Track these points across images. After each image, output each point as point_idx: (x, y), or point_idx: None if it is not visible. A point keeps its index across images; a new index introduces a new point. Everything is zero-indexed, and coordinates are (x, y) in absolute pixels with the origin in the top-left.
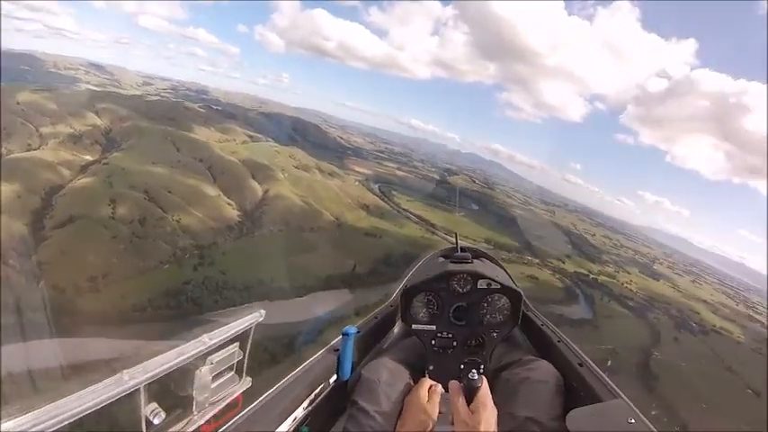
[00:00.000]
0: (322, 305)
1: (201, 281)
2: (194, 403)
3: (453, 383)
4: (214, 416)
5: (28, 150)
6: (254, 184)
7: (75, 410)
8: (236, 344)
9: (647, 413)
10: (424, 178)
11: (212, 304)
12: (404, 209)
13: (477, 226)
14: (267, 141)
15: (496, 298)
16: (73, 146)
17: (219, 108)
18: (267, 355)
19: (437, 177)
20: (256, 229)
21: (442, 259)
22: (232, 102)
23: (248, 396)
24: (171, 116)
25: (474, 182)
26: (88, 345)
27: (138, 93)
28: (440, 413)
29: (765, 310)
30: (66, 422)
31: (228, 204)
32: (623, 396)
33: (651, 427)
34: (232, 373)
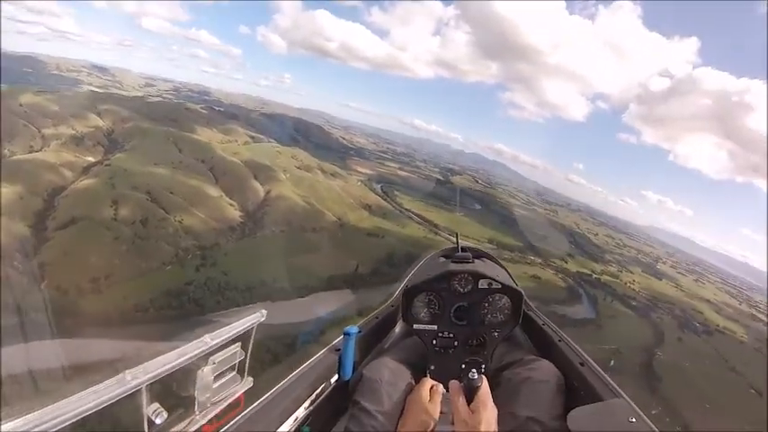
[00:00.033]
0: (324, 305)
1: (203, 281)
2: (196, 403)
3: (453, 383)
4: (216, 415)
5: (30, 152)
6: (256, 184)
7: (78, 411)
8: (238, 344)
9: (648, 412)
10: (426, 178)
11: (214, 305)
12: (406, 209)
13: (480, 226)
14: (269, 142)
15: (497, 298)
16: (75, 147)
17: (221, 109)
18: (269, 355)
19: (440, 177)
20: (258, 229)
21: (442, 259)
22: (234, 103)
23: (250, 396)
24: (173, 117)
25: (477, 182)
26: (90, 345)
27: (140, 94)
28: (441, 413)
29: (766, 309)
30: (69, 422)
31: (230, 205)
32: (624, 395)
33: (652, 426)
34: (234, 373)
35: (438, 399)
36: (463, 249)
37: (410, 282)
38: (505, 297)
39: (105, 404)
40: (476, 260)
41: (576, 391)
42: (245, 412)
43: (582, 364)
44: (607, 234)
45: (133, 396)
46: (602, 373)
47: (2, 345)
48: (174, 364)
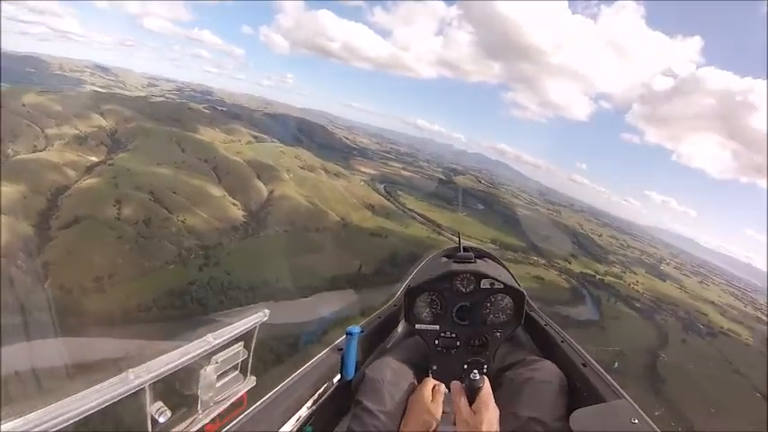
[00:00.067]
0: (327, 305)
1: (206, 281)
2: (199, 402)
3: (455, 384)
4: (219, 415)
5: (34, 152)
6: (260, 184)
7: (82, 409)
8: (241, 343)
9: (650, 414)
10: (429, 178)
11: (217, 304)
12: (409, 209)
13: (483, 226)
14: (272, 142)
15: (500, 298)
16: (78, 147)
17: (224, 109)
18: (272, 355)
19: (443, 177)
20: (261, 229)
21: (444, 259)
22: (237, 103)
23: (252, 395)
24: (176, 117)
25: (480, 182)
26: (94, 344)
27: (142, 94)
28: (443, 413)
29: (766, 310)
30: (73, 421)
31: (233, 205)
32: (627, 396)
33: (654, 427)
34: (237, 372)
35: (440, 399)
36: (465, 249)
37: (412, 282)
38: (508, 297)
39: (109, 403)
40: (478, 260)
41: (578, 391)
42: (248, 411)
43: (584, 365)
44: (611, 235)
45: (136, 395)
46: (605, 374)
47: (6, 344)
48: (176, 363)
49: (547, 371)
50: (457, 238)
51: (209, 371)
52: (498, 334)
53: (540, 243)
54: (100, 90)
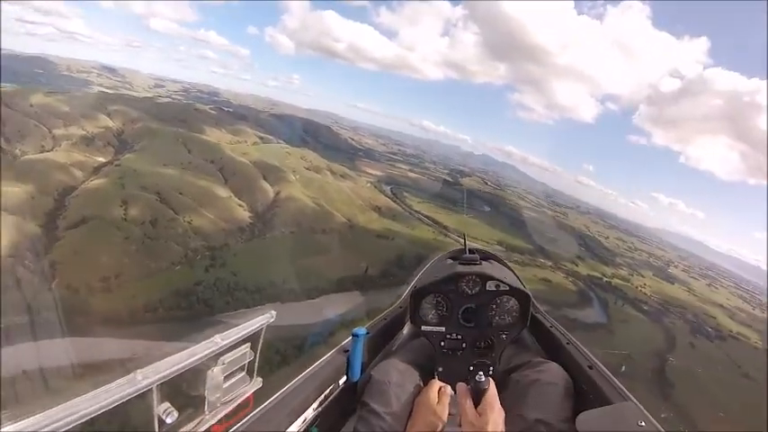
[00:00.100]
0: (333, 307)
1: (213, 282)
2: (206, 403)
3: (461, 385)
4: (225, 415)
5: (41, 152)
6: (266, 185)
7: (90, 409)
8: (248, 344)
9: (657, 416)
10: (436, 180)
11: (223, 305)
12: (416, 210)
13: (490, 228)
14: (278, 143)
15: (505, 299)
16: (85, 147)
17: (230, 110)
18: (278, 356)
19: (449, 179)
20: (268, 230)
21: (450, 261)
22: (243, 103)
23: (259, 396)
24: (182, 118)
25: (486, 183)
26: (100, 344)
27: (149, 95)
28: (449, 415)
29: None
30: (82, 421)
31: (240, 206)
32: (633, 399)
33: (661, 429)
34: (243, 373)
35: (446, 401)
36: (471, 251)
37: (418, 283)
38: (513, 299)
39: (117, 403)
40: (483, 262)
41: (584, 394)
42: (255, 412)
43: (590, 367)
44: (618, 237)
45: (144, 396)
46: (611, 376)
47: (14, 343)
48: (184, 364)
49: (552, 373)
50: (463, 240)
51: (216, 372)
52: (504, 336)
53: (546, 245)
54: (107, 91)
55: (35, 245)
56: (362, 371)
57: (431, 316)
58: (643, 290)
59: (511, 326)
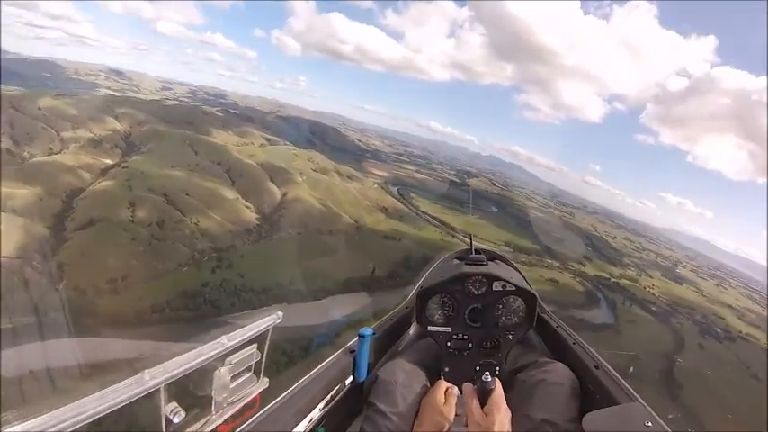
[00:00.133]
0: (340, 308)
1: (219, 283)
2: (213, 403)
3: (467, 385)
4: (232, 415)
5: (49, 154)
6: (273, 187)
7: (98, 409)
8: (255, 345)
9: (664, 417)
10: (443, 181)
11: (230, 307)
12: (423, 212)
13: (497, 229)
14: (285, 144)
15: (511, 300)
16: (93, 150)
17: (237, 112)
18: (284, 357)
19: (456, 180)
20: (275, 232)
21: (456, 261)
22: (250, 105)
23: (266, 396)
24: (189, 120)
25: (493, 184)
26: (108, 345)
27: (156, 97)
28: (456, 415)
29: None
30: (91, 420)
31: (247, 207)
32: (640, 399)
33: (668, 430)
34: (250, 373)
35: (453, 401)
36: (477, 251)
37: (424, 283)
38: (519, 299)
39: (125, 403)
40: (489, 262)
41: (590, 394)
42: (261, 412)
43: (597, 367)
44: (625, 237)
45: (151, 395)
46: (618, 376)
47: (22, 343)
48: (191, 364)
49: (558, 373)
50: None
51: (223, 372)
52: (510, 336)
53: (553, 246)
54: (114, 94)
55: (43, 246)
56: (369, 371)
57: (437, 316)
58: (651, 290)
59: (517, 326)
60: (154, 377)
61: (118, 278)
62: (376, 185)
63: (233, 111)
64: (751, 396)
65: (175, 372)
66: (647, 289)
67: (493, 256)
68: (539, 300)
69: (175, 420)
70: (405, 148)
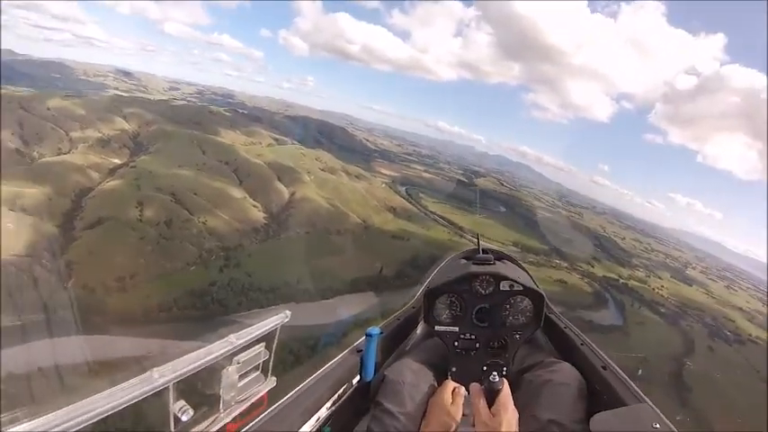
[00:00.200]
0: (348, 308)
1: (227, 282)
2: (221, 401)
3: (474, 386)
4: (240, 414)
5: (59, 154)
6: (281, 186)
7: (108, 407)
8: (262, 344)
9: (672, 419)
10: (451, 180)
11: (237, 306)
12: (431, 211)
13: (505, 228)
14: (293, 144)
15: (519, 300)
16: (102, 150)
17: (245, 112)
18: (291, 356)
19: (464, 180)
20: (282, 231)
21: (464, 261)
22: (258, 105)
23: (273, 395)
24: (197, 120)
25: (502, 184)
26: (116, 343)
27: (164, 98)
28: (463, 415)
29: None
30: (100, 417)
31: (254, 206)
32: (647, 400)
33: (676, 431)
34: (258, 372)
35: (460, 401)
36: (484, 251)
37: (432, 283)
38: (527, 299)
39: (134, 401)
40: (497, 262)
41: (598, 395)
42: (268, 411)
43: (604, 368)
44: (634, 238)
45: (160, 393)
46: (625, 377)
47: (31, 341)
48: (200, 362)
49: (565, 373)
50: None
51: (231, 371)
52: (517, 336)
53: (562, 246)
54: (122, 94)
55: (52, 245)
56: (376, 371)
57: (444, 316)
58: (660, 292)
59: (524, 326)
60: (163, 375)
61: (126, 276)
62: (384, 185)
63: (241, 110)
64: (760, 400)
65: (184, 370)
66: (656, 290)
67: (500, 256)
68: (546, 300)
69: (183, 419)
70: (413, 148)
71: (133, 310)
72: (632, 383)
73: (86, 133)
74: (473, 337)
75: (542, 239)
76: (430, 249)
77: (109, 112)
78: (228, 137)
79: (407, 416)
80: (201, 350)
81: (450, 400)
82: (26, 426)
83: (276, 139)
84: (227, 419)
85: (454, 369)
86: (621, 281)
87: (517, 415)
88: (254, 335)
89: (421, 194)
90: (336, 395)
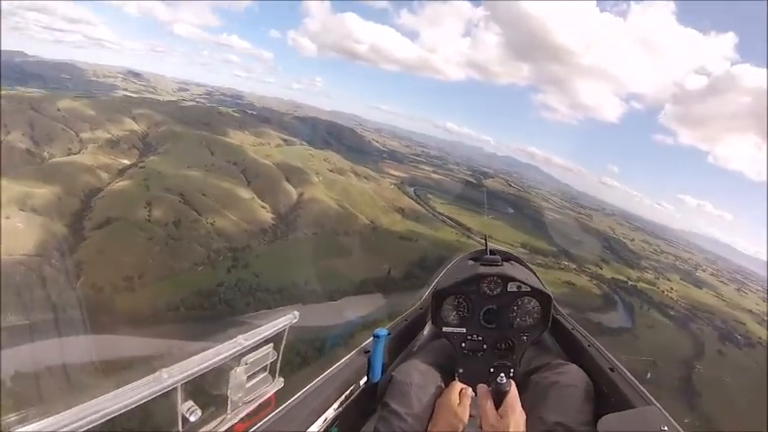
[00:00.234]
0: (355, 309)
1: (235, 283)
2: (229, 402)
3: (481, 387)
4: (247, 414)
5: (69, 155)
6: (289, 187)
7: (117, 406)
8: (271, 345)
9: (680, 421)
10: (459, 182)
11: (245, 306)
12: (439, 212)
13: (513, 230)
14: (301, 145)
15: (526, 301)
16: (111, 150)
17: (254, 112)
18: (298, 357)
19: (473, 181)
20: (290, 232)
21: (471, 262)
22: (266, 106)
23: (280, 396)
24: (206, 121)
25: (510, 185)
26: (123, 342)
27: (173, 98)
28: (470, 416)
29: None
30: (109, 417)
31: (262, 207)
32: (656, 402)
33: None
34: (266, 373)
35: (467, 402)
36: (492, 252)
37: (439, 284)
38: (534, 300)
39: (143, 401)
40: (504, 263)
41: (605, 397)
42: (276, 412)
43: (612, 370)
44: (643, 239)
45: (168, 394)
46: (633, 379)
47: (38, 340)
48: (208, 363)
49: (572, 375)
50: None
51: (239, 371)
52: (525, 337)
53: (570, 248)
54: (132, 95)
55: (62, 244)
56: (383, 372)
57: (452, 317)
58: (669, 294)
59: (532, 327)
60: (171, 376)
61: (134, 276)
62: (392, 186)
63: (249, 111)
64: None
65: (193, 371)
66: (666, 293)
67: (508, 257)
68: (553, 301)
69: (192, 419)
70: (421, 149)
71: (141, 309)
72: (640, 386)
73: (96, 134)
74: (480, 338)
75: (550, 241)
76: (438, 250)
77: (118, 113)
78: (237, 137)
79: (414, 417)
80: (210, 351)
81: (458, 402)
82: (35, 426)
83: (285, 140)
84: (235, 420)
85: (461, 370)
86: (630, 283)
87: (524, 416)
88: (262, 336)
89: (429, 195)
90: (344, 396)
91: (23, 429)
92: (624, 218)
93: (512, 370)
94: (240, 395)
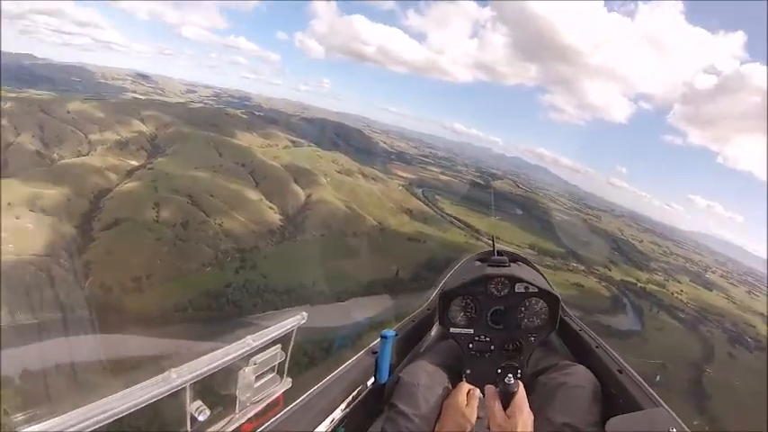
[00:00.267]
0: (363, 310)
1: (242, 284)
2: (237, 402)
3: (489, 388)
4: (255, 414)
5: (78, 156)
6: (297, 188)
7: (126, 406)
8: (279, 346)
9: (689, 423)
10: (467, 183)
11: (252, 307)
12: (447, 213)
13: (522, 231)
14: (309, 146)
15: (534, 302)
16: (120, 152)
17: (262, 114)
18: (306, 358)
19: (481, 182)
20: (298, 233)
21: (479, 263)
22: (274, 107)
23: (288, 396)
24: (214, 122)
25: (518, 186)
26: (131, 342)
27: (181, 100)
28: (478, 417)
29: None
30: (118, 417)
31: (270, 208)
32: (664, 404)
33: None
34: (274, 373)
35: (475, 403)
36: (499, 253)
37: (447, 285)
38: (542, 301)
39: (152, 400)
40: (512, 264)
41: (613, 398)
42: (284, 412)
43: (620, 372)
44: (652, 241)
45: (176, 393)
46: (641, 381)
47: (48, 338)
48: (217, 363)
49: (580, 376)
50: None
51: (247, 372)
52: (532, 338)
53: (579, 249)
54: (140, 97)
55: (71, 245)
56: (390, 372)
57: (459, 318)
58: (679, 296)
59: (539, 328)
60: (180, 376)
61: (142, 277)
62: (400, 187)
63: (257, 113)
64: None
65: (202, 371)
66: (675, 295)
67: (515, 258)
68: (561, 302)
69: (200, 419)
70: (429, 150)
71: (149, 310)
72: (648, 387)
73: (105, 136)
74: (488, 339)
75: (559, 242)
76: (446, 252)
77: (127, 115)
78: (245, 139)
79: (422, 418)
80: (219, 351)
81: (465, 402)
82: (43, 425)
83: (293, 141)
84: (243, 420)
85: (469, 371)
86: (640, 285)
87: (532, 417)
88: (270, 336)
89: (437, 197)
90: (351, 396)
91: (31, 429)
92: (633, 219)
93: (519, 371)
94: (248, 395)
